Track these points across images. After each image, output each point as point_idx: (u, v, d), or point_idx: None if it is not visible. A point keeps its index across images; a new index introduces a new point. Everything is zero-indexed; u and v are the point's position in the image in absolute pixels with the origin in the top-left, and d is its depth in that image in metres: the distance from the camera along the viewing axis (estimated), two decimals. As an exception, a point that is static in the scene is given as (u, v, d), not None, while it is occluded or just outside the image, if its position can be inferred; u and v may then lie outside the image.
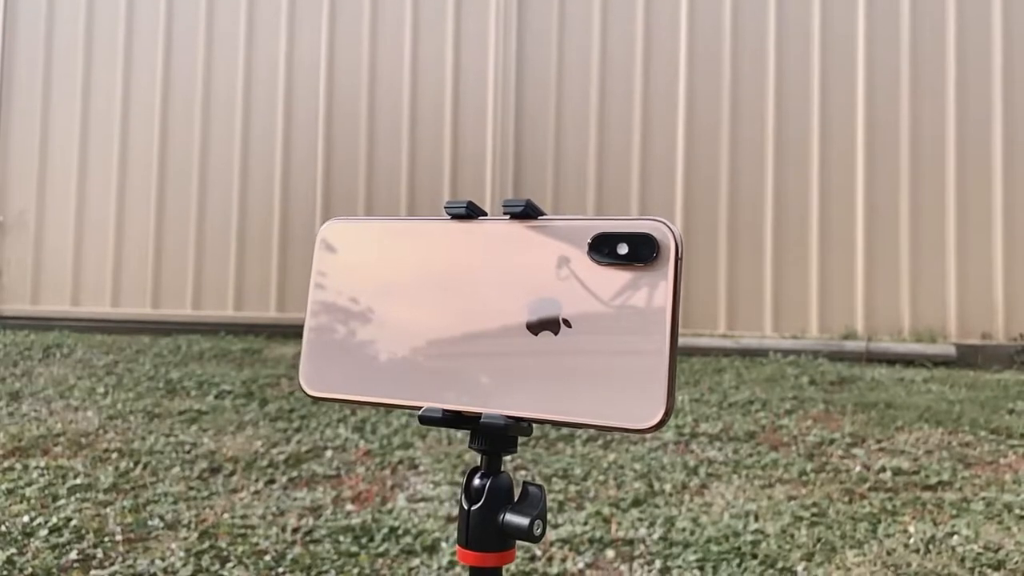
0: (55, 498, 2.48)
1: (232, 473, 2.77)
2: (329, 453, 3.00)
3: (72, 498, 2.48)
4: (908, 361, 4.96)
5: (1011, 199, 5.21)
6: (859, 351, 5.07)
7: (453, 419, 0.60)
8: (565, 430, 3.18)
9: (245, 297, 6.09)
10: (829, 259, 5.41)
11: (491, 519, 0.60)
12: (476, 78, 5.90)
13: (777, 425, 3.39)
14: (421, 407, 0.61)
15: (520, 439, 0.63)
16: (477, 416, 0.59)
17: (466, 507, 0.61)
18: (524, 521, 0.59)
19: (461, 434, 3.22)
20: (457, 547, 0.62)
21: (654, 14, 5.69)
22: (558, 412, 0.57)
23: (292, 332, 5.76)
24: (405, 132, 5.98)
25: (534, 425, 0.60)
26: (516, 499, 0.62)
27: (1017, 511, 2.42)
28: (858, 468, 2.84)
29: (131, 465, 2.80)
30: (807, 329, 5.39)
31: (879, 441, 3.16)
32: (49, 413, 3.50)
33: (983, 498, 2.53)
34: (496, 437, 0.61)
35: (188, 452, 2.98)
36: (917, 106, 5.34)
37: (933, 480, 2.71)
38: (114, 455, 2.92)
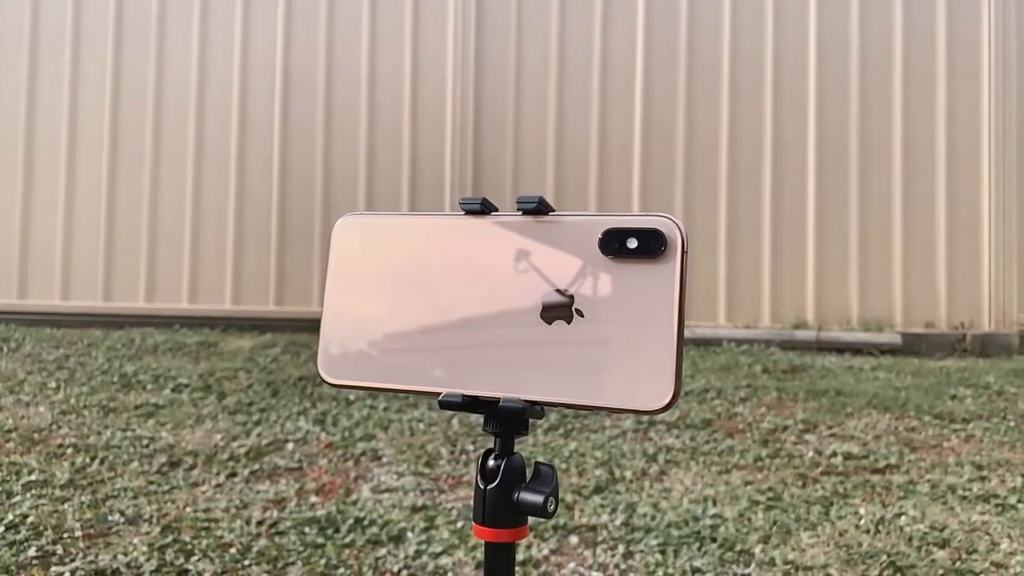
0: (9, 495, 2.43)
1: (192, 467, 2.74)
2: (291, 446, 2.99)
3: (28, 495, 2.44)
4: (856, 349, 5.11)
5: (953, 195, 5.40)
6: (810, 340, 5.21)
7: (471, 404, 0.63)
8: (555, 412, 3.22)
9: (200, 290, 5.99)
10: (780, 251, 5.54)
11: (506, 497, 0.64)
12: (435, 77, 5.88)
13: (732, 413, 3.47)
14: (440, 393, 0.64)
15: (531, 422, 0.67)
16: (495, 401, 0.62)
17: (482, 487, 0.64)
18: (539, 499, 0.63)
19: (424, 424, 3.23)
20: (473, 524, 0.65)
21: (611, 13, 5.74)
22: (572, 396, 0.60)
23: (248, 325, 5.69)
24: (363, 131, 5.93)
25: (545, 409, 0.63)
26: (529, 478, 0.65)
27: (960, 492, 2.53)
28: (811, 453, 2.93)
29: (88, 460, 2.76)
30: (759, 319, 5.52)
31: (830, 427, 3.27)
32: (-1, 409, 3.41)
33: (928, 480, 2.64)
34: (511, 420, 0.64)
35: (146, 446, 2.94)
36: (865, 105, 5.50)
37: (881, 464, 2.81)
38: (69, 450, 2.87)
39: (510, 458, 0.65)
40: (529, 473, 0.66)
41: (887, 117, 5.47)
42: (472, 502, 0.64)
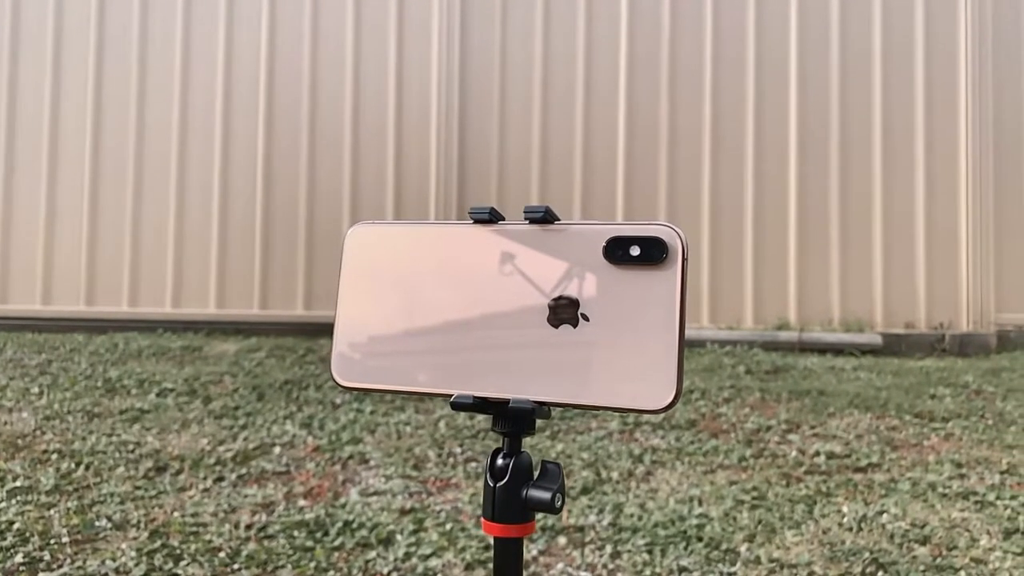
0: (-6, 501, 2.42)
1: (179, 472, 2.74)
2: (278, 450, 2.99)
3: (13, 501, 2.42)
4: (838, 350, 5.17)
5: (931, 197, 5.48)
6: (792, 341, 5.26)
7: (482, 405, 0.66)
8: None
9: (184, 293, 5.96)
10: (763, 253, 5.60)
11: (515, 494, 0.66)
12: (419, 85, 5.88)
13: (716, 413, 3.51)
14: (452, 394, 0.66)
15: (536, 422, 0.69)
16: (504, 401, 0.65)
17: (491, 484, 0.67)
18: (547, 495, 0.66)
19: (411, 427, 3.24)
20: (483, 520, 0.68)
21: (595, 19, 5.78)
22: (579, 397, 0.63)
23: (233, 329, 5.67)
24: (347, 136, 5.92)
25: (550, 409, 0.66)
26: (536, 476, 0.67)
27: (940, 490, 2.57)
28: (794, 453, 2.97)
29: (73, 466, 2.74)
30: (742, 320, 5.57)
31: (813, 427, 3.31)
32: (-19, 415, 3.38)
33: (909, 478, 2.68)
34: (520, 420, 0.67)
35: (132, 451, 2.93)
36: (844, 108, 5.57)
37: (863, 463, 2.85)
38: (54, 456, 2.85)
39: (518, 457, 0.67)
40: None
41: (866, 120, 5.55)
42: (482, 499, 0.66)
